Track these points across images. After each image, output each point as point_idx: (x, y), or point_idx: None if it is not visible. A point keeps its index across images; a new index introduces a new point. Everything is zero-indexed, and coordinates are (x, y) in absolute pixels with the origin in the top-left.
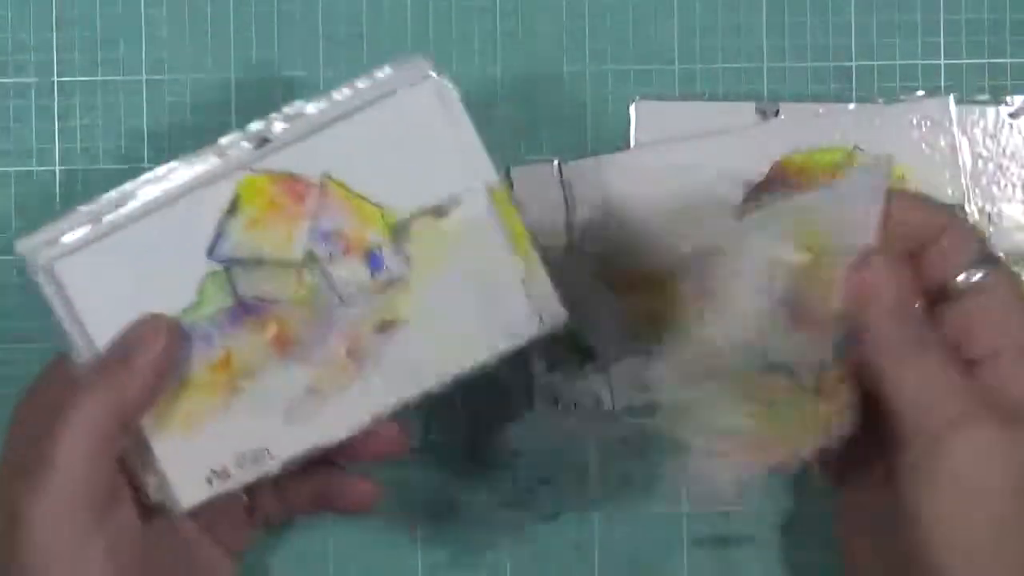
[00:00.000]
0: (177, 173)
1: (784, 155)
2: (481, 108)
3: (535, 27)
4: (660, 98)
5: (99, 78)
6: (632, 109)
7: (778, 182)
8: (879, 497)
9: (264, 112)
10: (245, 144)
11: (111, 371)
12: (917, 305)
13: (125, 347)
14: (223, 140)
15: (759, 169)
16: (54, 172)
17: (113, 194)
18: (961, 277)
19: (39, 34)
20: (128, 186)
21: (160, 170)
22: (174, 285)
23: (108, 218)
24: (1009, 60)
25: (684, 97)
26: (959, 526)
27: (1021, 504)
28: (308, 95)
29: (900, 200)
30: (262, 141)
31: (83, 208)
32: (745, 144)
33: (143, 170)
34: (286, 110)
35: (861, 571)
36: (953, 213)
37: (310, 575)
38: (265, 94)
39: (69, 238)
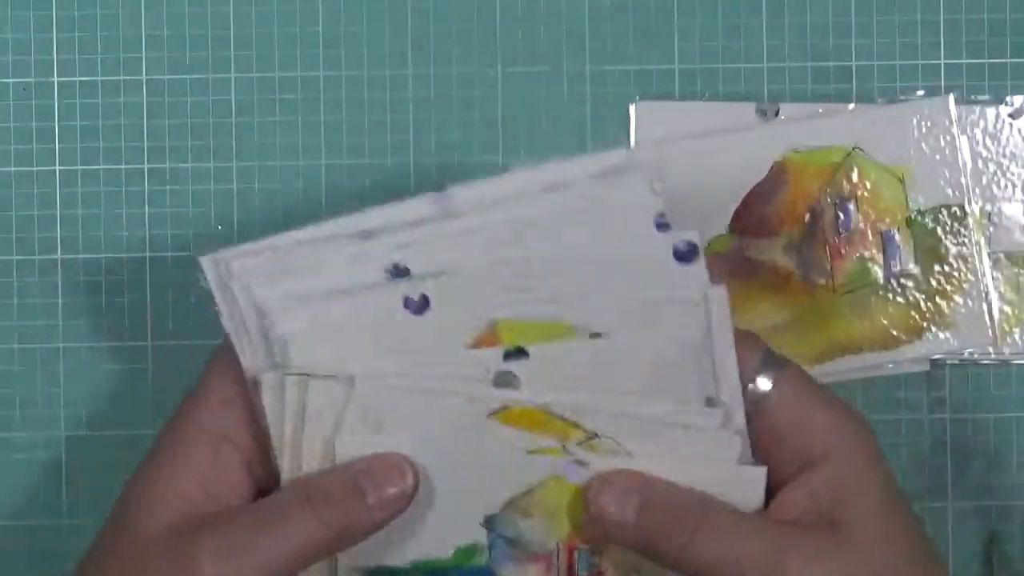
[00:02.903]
0: None
1: (784, 155)
2: (481, 108)
3: (535, 27)
4: (660, 98)
5: (99, 78)
6: (632, 109)
7: None
8: None
9: (266, 114)
10: None
11: (339, 499)
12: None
13: (362, 476)
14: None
15: (759, 169)
16: (54, 172)
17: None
18: (750, 387)
19: (39, 34)
20: None
21: None
22: None
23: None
24: (1009, 60)
25: (684, 97)
26: None
27: None
28: (306, 95)
29: None
30: None
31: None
32: (745, 144)
33: (143, 170)
34: None
35: None
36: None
37: None
38: (265, 94)
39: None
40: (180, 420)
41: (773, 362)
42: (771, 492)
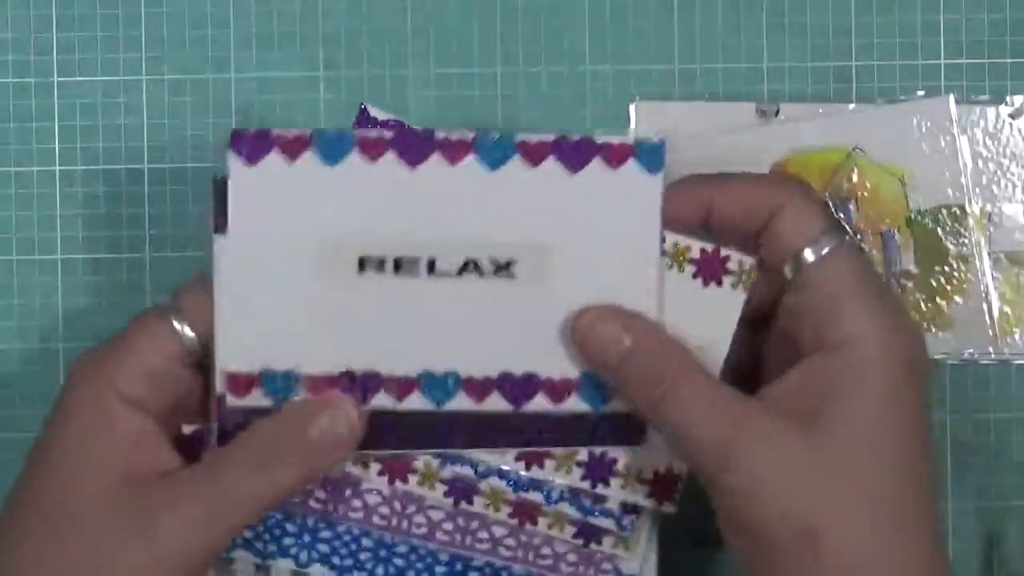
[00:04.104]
0: None
1: (784, 155)
2: (482, 108)
3: (535, 27)
4: (660, 98)
5: (99, 78)
6: (632, 109)
7: None
8: None
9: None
10: None
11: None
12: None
13: (307, 422)
14: None
15: (759, 169)
16: (54, 172)
17: None
18: (806, 252)
19: (39, 34)
20: None
21: None
22: None
23: None
24: (1009, 60)
25: (684, 97)
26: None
27: (808, 544)
28: (306, 95)
29: (724, 187)
30: None
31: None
32: (745, 144)
33: (143, 171)
34: None
35: None
36: (789, 191)
37: None
38: (266, 94)
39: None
40: (99, 386)
41: (829, 238)
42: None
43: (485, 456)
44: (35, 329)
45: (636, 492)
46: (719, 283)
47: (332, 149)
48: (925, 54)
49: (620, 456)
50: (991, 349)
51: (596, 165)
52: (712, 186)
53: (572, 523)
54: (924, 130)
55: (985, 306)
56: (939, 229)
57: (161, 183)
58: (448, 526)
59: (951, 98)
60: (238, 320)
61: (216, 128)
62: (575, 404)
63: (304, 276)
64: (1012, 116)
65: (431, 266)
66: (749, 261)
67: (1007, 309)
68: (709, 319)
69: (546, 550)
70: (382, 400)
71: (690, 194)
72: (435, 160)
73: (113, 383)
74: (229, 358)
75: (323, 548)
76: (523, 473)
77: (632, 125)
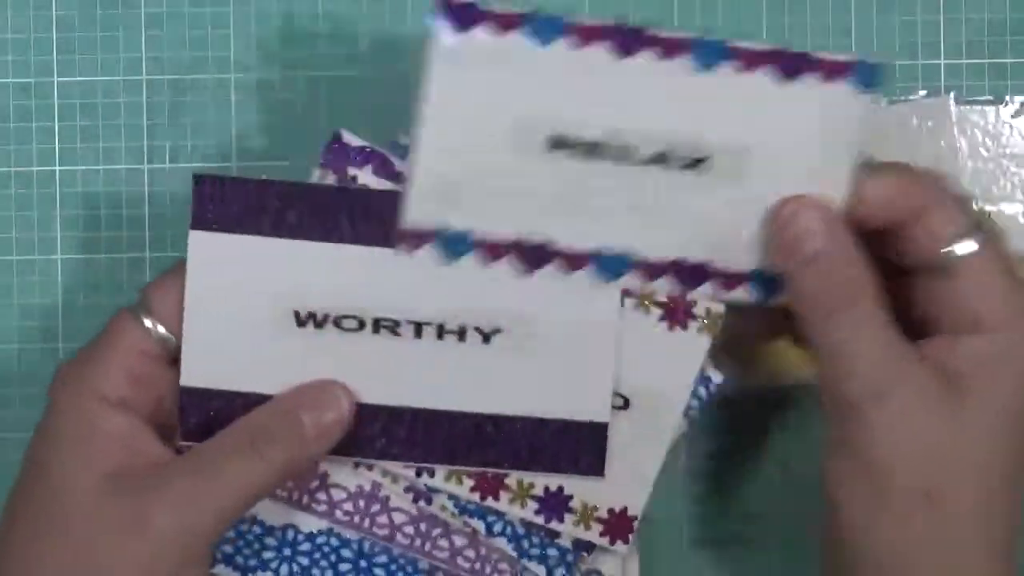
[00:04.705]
0: None
1: None
2: None
3: None
4: None
5: (99, 78)
6: None
7: None
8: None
9: (266, 114)
10: None
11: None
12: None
13: (300, 409)
14: None
15: None
16: (54, 172)
17: None
18: (947, 249)
19: (39, 34)
20: None
21: None
22: None
23: None
24: (1009, 60)
25: None
26: (871, 524)
27: (925, 503)
28: (306, 95)
29: (876, 179)
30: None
31: None
32: None
33: (143, 171)
34: None
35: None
36: (937, 186)
37: None
38: (265, 94)
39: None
40: (80, 392)
41: (979, 234)
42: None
43: (441, 485)
44: (35, 329)
45: (590, 530)
46: (684, 327)
47: (544, 29)
48: (925, 54)
49: (576, 492)
50: None
51: (809, 78)
52: (863, 175)
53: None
54: (924, 130)
55: None
56: None
57: (161, 183)
58: (409, 530)
59: (951, 98)
60: (428, 177)
61: (217, 128)
62: (744, 294)
63: (499, 147)
64: (1012, 116)
65: (623, 152)
66: (717, 308)
67: None
68: (672, 363)
69: (503, 565)
70: (551, 270)
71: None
72: (646, 54)
73: (93, 386)
74: (412, 210)
75: (303, 561)
76: (476, 501)
77: None
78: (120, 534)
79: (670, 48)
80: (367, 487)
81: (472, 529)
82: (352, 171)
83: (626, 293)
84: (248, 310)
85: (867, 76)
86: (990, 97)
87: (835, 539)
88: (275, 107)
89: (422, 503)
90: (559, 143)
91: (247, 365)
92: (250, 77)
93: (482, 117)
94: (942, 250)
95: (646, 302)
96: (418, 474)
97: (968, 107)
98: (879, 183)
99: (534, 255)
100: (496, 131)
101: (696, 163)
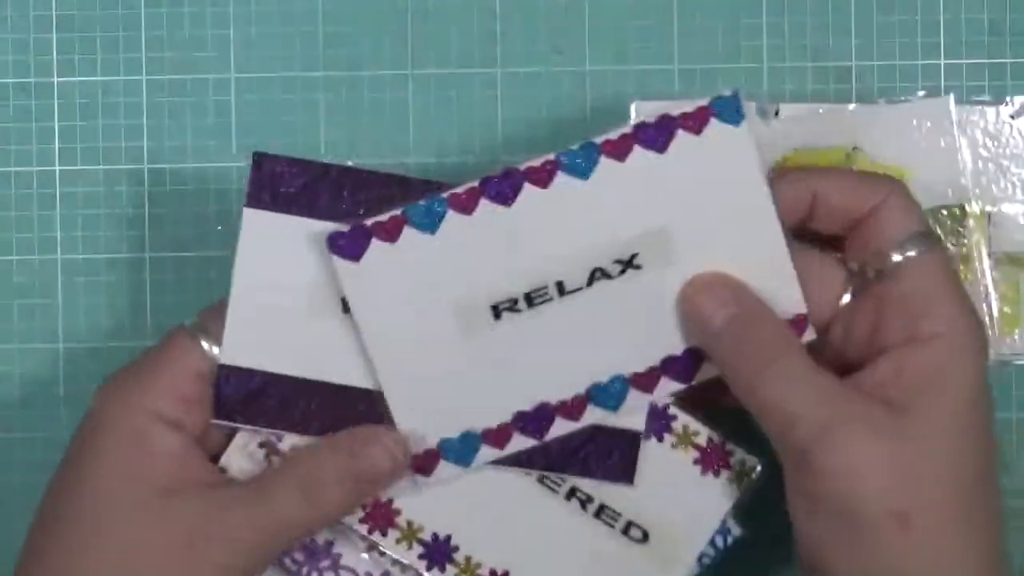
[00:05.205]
0: None
1: (784, 155)
2: (482, 108)
3: (535, 27)
4: (660, 98)
5: (99, 78)
6: (632, 109)
7: None
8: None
9: (266, 115)
10: None
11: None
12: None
13: (352, 456)
14: None
15: None
16: (54, 172)
17: None
18: (895, 255)
19: (39, 34)
20: None
21: None
22: None
23: None
24: (1009, 60)
25: (684, 97)
26: (850, 559)
27: (896, 525)
28: (306, 95)
29: (829, 178)
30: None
31: None
32: None
33: (143, 171)
34: None
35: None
36: (890, 188)
37: None
38: (265, 94)
39: None
40: (132, 405)
41: (922, 240)
42: (867, 361)
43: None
44: (35, 329)
45: None
46: (716, 475)
47: (428, 217)
48: (925, 54)
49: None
50: (991, 349)
51: (681, 137)
52: (817, 177)
53: None
54: (924, 130)
55: (985, 306)
56: (939, 229)
57: (161, 183)
58: None
59: (951, 98)
60: (402, 392)
61: (217, 128)
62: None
63: (449, 342)
64: (1012, 116)
65: (560, 288)
66: (752, 461)
67: (1007, 309)
68: (698, 507)
69: None
70: (559, 427)
71: (794, 185)
72: (528, 190)
73: (147, 403)
74: (404, 420)
75: None
76: None
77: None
78: (167, 552)
79: (543, 174)
80: (376, 574)
81: None
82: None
83: (665, 430)
84: (294, 293)
85: (729, 110)
86: (990, 97)
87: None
88: (276, 107)
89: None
90: (502, 308)
91: (288, 347)
92: (250, 77)
93: (419, 320)
94: (889, 253)
95: (686, 442)
96: (429, 568)
97: (968, 107)
98: (833, 180)
99: (539, 421)
100: (439, 326)
101: (628, 263)
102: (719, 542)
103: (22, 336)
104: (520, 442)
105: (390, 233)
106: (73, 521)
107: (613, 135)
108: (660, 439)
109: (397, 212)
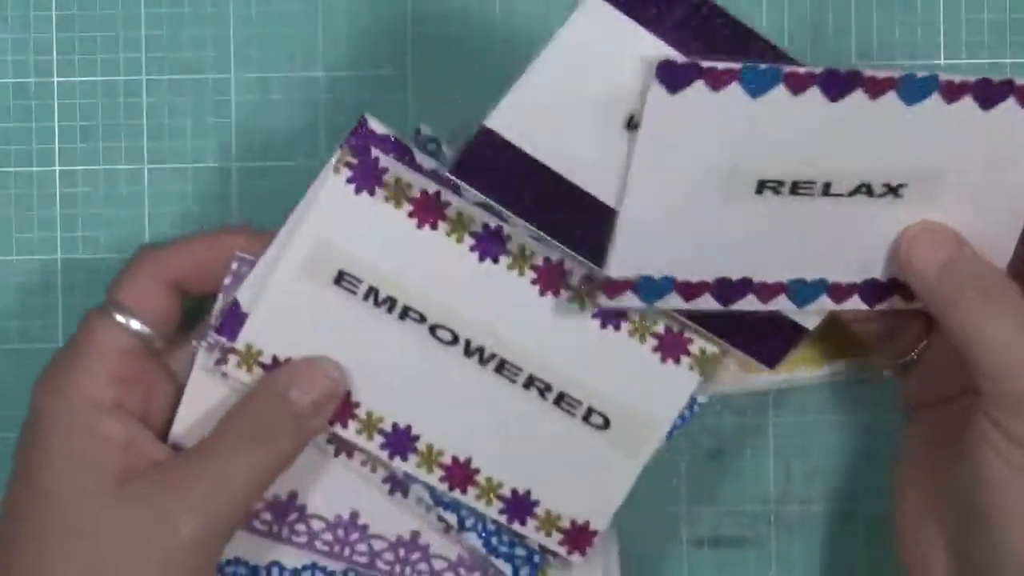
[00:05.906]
0: None
1: None
2: (482, 108)
3: (535, 28)
4: None
5: (99, 78)
6: None
7: None
8: (951, 434)
9: (266, 115)
10: None
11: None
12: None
13: (291, 391)
14: None
15: None
16: (54, 172)
17: None
18: None
19: (39, 34)
20: None
21: None
22: None
23: None
24: (1009, 60)
25: None
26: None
27: None
28: (306, 95)
29: None
30: None
31: None
32: None
33: (143, 171)
34: None
35: (910, 514)
36: None
37: None
38: (265, 94)
39: None
40: (68, 398)
41: None
42: None
43: (413, 471)
44: (35, 329)
45: (550, 537)
46: (676, 362)
47: (759, 82)
48: (925, 54)
49: (543, 499)
50: None
51: (1008, 105)
52: None
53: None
54: None
55: None
56: None
57: (162, 183)
58: (389, 556)
59: None
60: (637, 221)
61: (217, 128)
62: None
63: (706, 196)
64: None
65: (826, 188)
66: (712, 350)
67: None
68: (659, 393)
69: None
70: (746, 303)
71: None
72: (857, 95)
73: (83, 392)
74: (615, 265)
75: None
76: (449, 494)
77: None
78: (141, 538)
79: (880, 86)
80: (345, 516)
81: (447, 524)
82: (375, 153)
83: (621, 319)
84: (590, 91)
85: None
86: None
87: (966, 511)
88: (275, 107)
89: (399, 495)
90: (768, 185)
91: (553, 140)
92: (250, 77)
93: (692, 167)
94: None
95: (643, 332)
96: (391, 456)
97: None
98: None
99: (735, 292)
100: (706, 179)
101: (894, 190)
102: (685, 413)
103: (22, 336)
104: (706, 302)
105: (718, 82)
106: (35, 521)
107: (956, 78)
108: (617, 327)
109: (735, 66)
